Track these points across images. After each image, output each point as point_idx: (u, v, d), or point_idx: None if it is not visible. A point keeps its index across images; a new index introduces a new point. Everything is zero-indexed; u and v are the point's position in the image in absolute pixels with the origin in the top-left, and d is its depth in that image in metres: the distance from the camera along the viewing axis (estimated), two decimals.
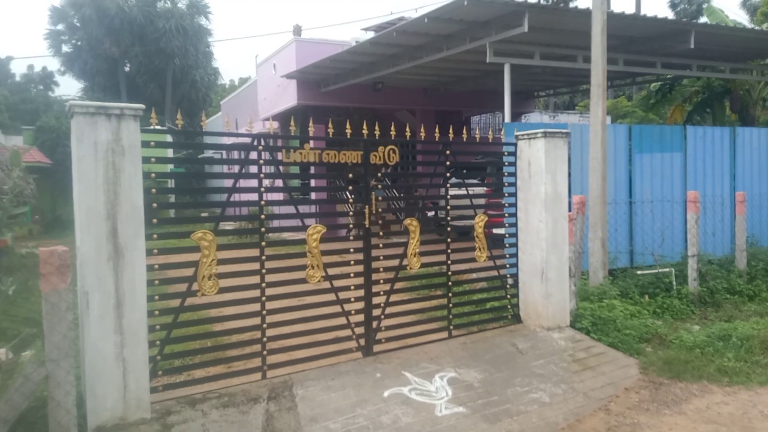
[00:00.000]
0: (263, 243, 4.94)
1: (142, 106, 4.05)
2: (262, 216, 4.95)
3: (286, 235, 6.25)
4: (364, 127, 5.47)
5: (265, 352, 4.93)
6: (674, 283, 7.90)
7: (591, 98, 8.17)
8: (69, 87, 54.18)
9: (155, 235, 4.39)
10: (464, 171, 6.24)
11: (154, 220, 4.39)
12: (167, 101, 36.24)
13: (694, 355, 5.89)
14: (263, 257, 4.93)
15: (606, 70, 8.15)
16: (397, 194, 12.89)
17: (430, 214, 7.44)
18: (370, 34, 20.99)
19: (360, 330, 5.47)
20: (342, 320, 5.37)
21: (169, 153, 16.32)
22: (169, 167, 17.24)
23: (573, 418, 4.70)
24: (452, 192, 6.13)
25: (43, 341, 3.81)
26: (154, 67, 36.20)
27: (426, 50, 11.56)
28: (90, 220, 3.88)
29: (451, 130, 6.32)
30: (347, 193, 6.14)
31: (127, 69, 36.20)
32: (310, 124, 5.39)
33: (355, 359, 5.36)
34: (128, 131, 3.99)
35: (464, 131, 6.54)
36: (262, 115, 18.39)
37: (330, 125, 5.50)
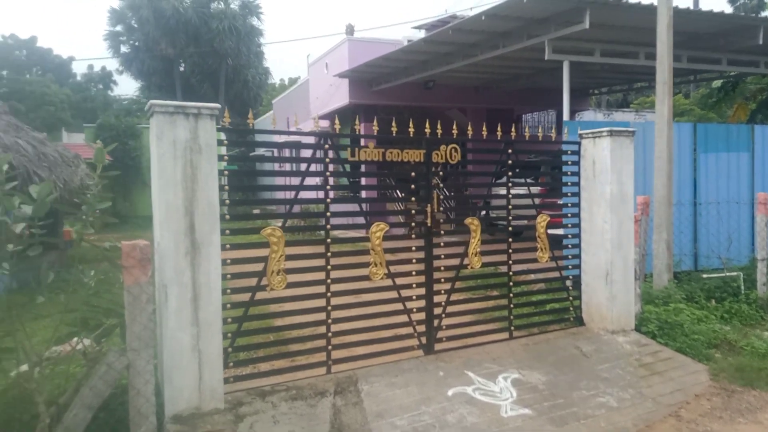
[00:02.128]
0: (329, 240, 5.02)
1: (218, 105, 4.17)
2: (328, 213, 5.01)
3: (347, 233, 6.31)
4: (426, 126, 5.47)
5: (330, 348, 5.01)
6: (742, 287, 7.61)
7: (656, 96, 7.94)
8: (127, 86, 56.07)
9: (227, 231, 4.50)
10: (517, 170, 6.15)
11: (227, 216, 4.51)
12: (220, 100, 37.10)
13: (767, 363, 5.67)
14: (329, 254, 5.00)
15: (672, 67, 7.91)
16: (456, 193, 12.83)
17: (482, 213, 7.39)
18: (422, 33, 21.00)
19: (421, 328, 5.48)
20: (403, 318, 5.39)
21: (222, 151, 16.73)
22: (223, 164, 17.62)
23: (642, 424, 4.59)
24: (504, 192, 6.06)
25: (124, 332, 3.96)
26: (207, 67, 37.14)
27: (481, 48, 11.46)
28: (169, 215, 4.01)
29: (513, 129, 6.25)
30: (408, 191, 6.15)
31: (181, 69, 37.20)
32: (374, 123, 5.42)
33: (416, 357, 5.38)
34: (205, 130, 4.11)
35: (513, 129, 6.43)
36: (314, 114, 18.60)
37: (393, 124, 5.53)
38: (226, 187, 4.48)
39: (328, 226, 5.01)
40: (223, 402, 4.22)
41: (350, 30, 16.34)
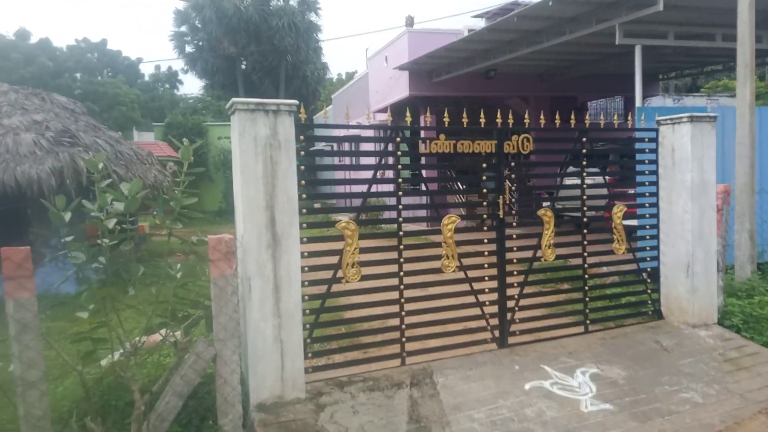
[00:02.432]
0: (401, 233, 5.04)
1: (297, 102, 4.26)
2: (400, 206, 5.04)
3: (418, 226, 6.31)
4: (498, 116, 5.40)
5: (404, 340, 5.04)
6: None
7: (737, 79, 7.53)
8: (191, 86, 58.16)
9: (303, 225, 4.59)
10: (589, 160, 5.97)
11: (303, 210, 4.59)
12: (281, 96, 37.78)
13: None
14: (401, 246, 5.03)
15: (754, 49, 7.49)
16: (525, 184, 12.61)
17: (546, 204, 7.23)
18: (482, 22, 20.69)
19: (494, 321, 5.44)
20: (476, 311, 5.36)
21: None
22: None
23: (731, 421, 4.41)
24: (571, 182, 5.91)
25: (209, 323, 4.12)
26: (267, 64, 37.83)
27: (546, 34, 11.19)
28: (251, 210, 4.13)
29: (587, 118, 6.09)
30: (478, 183, 6.09)
31: (243, 67, 38.05)
32: (445, 114, 5.39)
33: (490, 350, 5.35)
34: (284, 126, 4.20)
35: (576, 118, 6.26)
36: (374, 108, 18.69)
37: (464, 114, 5.48)
38: (303, 182, 4.56)
39: (400, 219, 5.04)
40: (304, 391, 4.32)
41: (410, 21, 16.28)
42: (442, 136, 5.15)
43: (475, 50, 13.37)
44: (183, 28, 36.26)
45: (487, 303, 5.41)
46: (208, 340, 4.06)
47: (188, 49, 37.14)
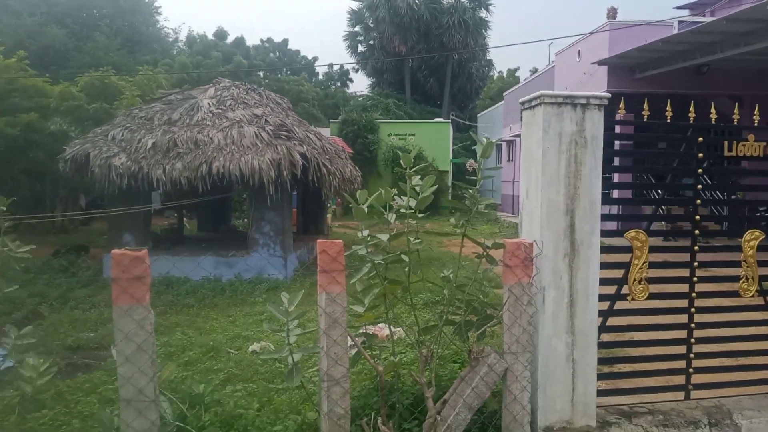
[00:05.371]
0: (696, 247, 4.38)
1: (608, 95, 3.79)
2: (697, 217, 4.38)
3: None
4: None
5: (690, 370, 4.39)
6: None
7: None
8: (359, 84, 60.46)
9: None
10: None
11: None
12: (445, 94, 37.82)
13: None
14: (695, 263, 4.37)
15: None
16: None
17: None
18: (685, 13, 18.80)
19: None
20: None
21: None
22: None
23: None
24: None
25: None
26: (434, 63, 38.06)
27: None
28: (550, 214, 3.75)
29: None
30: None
31: (410, 65, 38.66)
32: (735, 110, 4.61)
33: None
34: (592, 122, 3.76)
35: None
36: None
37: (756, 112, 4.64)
38: None
39: (696, 232, 4.38)
40: (595, 419, 3.87)
41: (612, 13, 15.15)
42: (750, 137, 4.40)
43: (696, 43, 12.06)
44: (357, 28, 37.69)
45: None
46: (499, 351, 3.75)
47: (360, 48, 38.51)
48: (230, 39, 32.59)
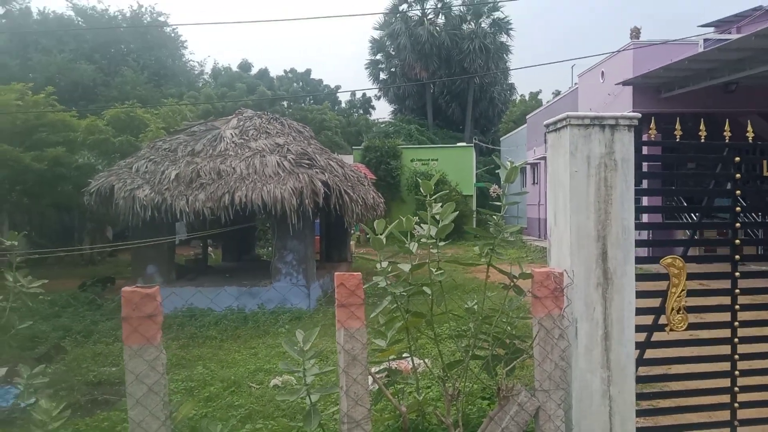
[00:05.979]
0: (737, 273, 4.13)
1: (638, 115, 3.62)
2: (737, 241, 4.13)
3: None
4: None
5: (736, 405, 4.09)
6: None
7: None
8: (381, 111, 61.00)
9: None
10: None
11: None
12: (467, 118, 37.77)
13: None
14: (736, 290, 4.11)
15: None
16: None
17: None
18: (710, 30, 18.50)
19: None
20: None
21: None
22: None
23: None
24: None
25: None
26: (455, 88, 38.14)
27: None
28: (580, 241, 3.56)
29: None
30: None
31: (431, 90, 38.79)
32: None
33: None
34: (621, 143, 3.58)
35: None
36: None
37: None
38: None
39: (737, 257, 4.13)
40: None
41: (636, 33, 14.96)
42: None
43: (723, 61, 11.77)
44: (378, 57, 38.05)
45: None
46: (530, 389, 3.54)
47: (382, 75, 38.82)
48: (254, 71, 33.26)
